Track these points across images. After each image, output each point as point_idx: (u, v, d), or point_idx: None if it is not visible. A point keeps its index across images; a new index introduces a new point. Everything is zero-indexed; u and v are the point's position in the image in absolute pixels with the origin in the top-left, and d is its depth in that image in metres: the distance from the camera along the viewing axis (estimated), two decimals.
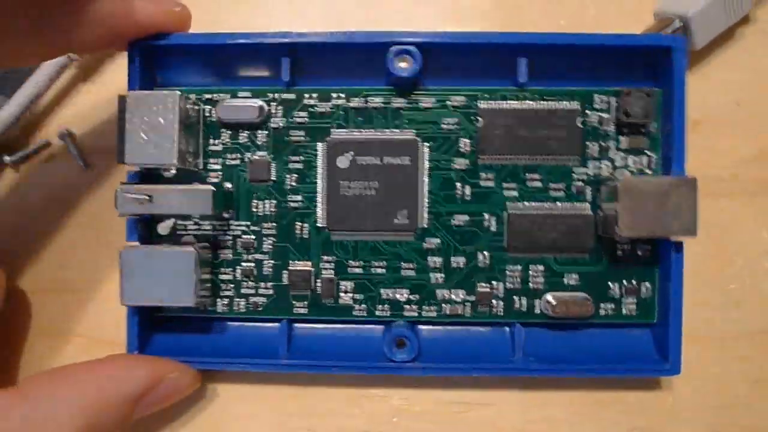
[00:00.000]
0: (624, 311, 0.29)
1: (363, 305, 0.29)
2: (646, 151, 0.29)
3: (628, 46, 0.28)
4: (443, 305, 0.29)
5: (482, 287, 0.29)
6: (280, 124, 0.29)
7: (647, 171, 0.29)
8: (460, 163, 0.29)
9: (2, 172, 0.32)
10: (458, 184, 0.29)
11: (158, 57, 0.29)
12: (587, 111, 0.29)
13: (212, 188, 0.27)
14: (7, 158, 0.32)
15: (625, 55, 0.28)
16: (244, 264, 0.29)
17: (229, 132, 0.29)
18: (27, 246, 0.32)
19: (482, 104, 0.29)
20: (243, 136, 0.29)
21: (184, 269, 0.27)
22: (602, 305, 0.29)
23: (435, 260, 0.29)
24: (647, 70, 0.29)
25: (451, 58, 0.29)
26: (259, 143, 0.29)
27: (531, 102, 0.29)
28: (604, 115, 0.29)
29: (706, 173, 0.30)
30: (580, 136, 0.29)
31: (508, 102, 0.29)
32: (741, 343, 0.31)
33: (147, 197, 0.27)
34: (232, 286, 0.30)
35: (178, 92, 0.27)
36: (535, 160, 0.29)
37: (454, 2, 0.33)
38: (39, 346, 0.32)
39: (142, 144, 0.27)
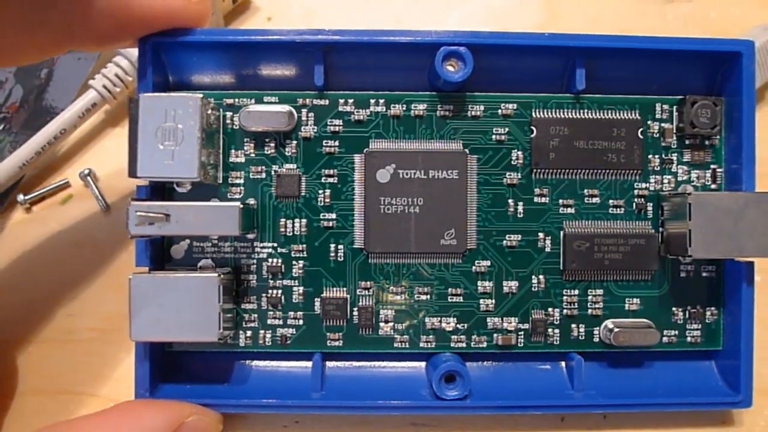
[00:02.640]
0: (688, 338, 0.27)
1: (405, 336, 0.26)
2: (710, 165, 0.27)
3: (694, 51, 0.26)
4: (494, 335, 0.26)
5: (537, 314, 0.26)
6: (312, 133, 0.26)
7: (712, 186, 0.27)
8: (512, 177, 0.26)
9: (14, 213, 0.29)
10: (510, 201, 0.26)
11: (173, 56, 0.25)
12: (648, 121, 0.27)
13: (239, 205, 0.23)
14: (21, 197, 0.28)
15: (688, 62, 0.26)
16: (270, 291, 0.26)
17: (254, 142, 0.26)
18: (31, 296, 0.28)
19: (536, 113, 0.26)
20: (269, 147, 0.26)
21: (206, 299, 0.24)
22: (665, 332, 0.27)
23: (485, 285, 0.26)
24: (710, 79, 0.27)
25: (503, 61, 0.26)
26: (288, 154, 0.26)
27: (588, 111, 0.26)
28: (666, 126, 0.27)
29: None
30: (642, 148, 0.26)
31: (564, 111, 0.26)
32: None
33: (163, 215, 0.23)
34: (256, 316, 0.26)
35: (200, 95, 0.23)
36: (593, 174, 0.26)
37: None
38: (45, 401, 0.28)
39: (157, 154, 0.23)
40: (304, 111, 0.26)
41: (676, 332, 0.27)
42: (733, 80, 0.26)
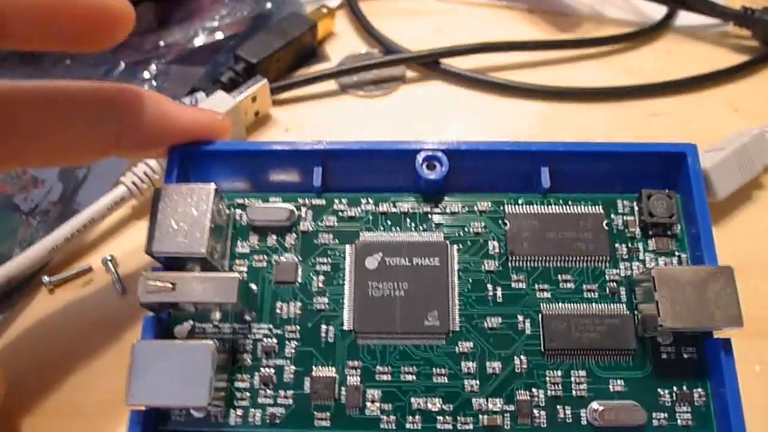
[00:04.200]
0: (679, 422, 0.26)
1: (392, 416, 0.27)
2: (676, 252, 0.29)
3: (645, 153, 0.29)
4: (480, 416, 0.27)
5: (522, 395, 0.27)
6: (309, 228, 0.29)
7: None
8: (490, 265, 0.29)
9: (38, 293, 0.32)
10: (489, 286, 0.28)
11: (195, 162, 0.30)
12: (612, 215, 0.29)
13: (238, 275, 0.26)
14: (46, 279, 0.32)
15: (644, 163, 0.30)
16: (263, 370, 0.27)
17: (258, 235, 0.29)
18: (41, 371, 0.30)
19: (508, 209, 0.29)
20: (271, 239, 0.29)
21: (200, 365, 0.25)
22: (654, 415, 0.26)
23: (469, 365, 0.27)
24: (664, 177, 0.30)
25: (476, 164, 0.30)
26: (287, 246, 0.29)
27: (555, 206, 0.29)
28: (629, 218, 0.29)
29: (753, 314, 0.30)
30: (608, 237, 0.29)
31: (534, 207, 0.29)
32: None
33: (170, 284, 0.26)
34: (248, 394, 0.27)
35: (213, 186, 0.27)
36: (565, 261, 0.29)
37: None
38: None
39: (171, 233, 0.27)
40: (303, 209, 0.30)
41: (666, 415, 0.26)
42: (682, 177, 0.29)
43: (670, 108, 0.39)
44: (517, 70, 0.42)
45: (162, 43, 0.42)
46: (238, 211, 0.30)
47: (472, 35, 0.43)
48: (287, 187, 0.30)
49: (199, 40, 0.42)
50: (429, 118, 0.39)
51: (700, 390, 0.27)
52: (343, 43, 0.44)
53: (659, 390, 0.27)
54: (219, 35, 0.43)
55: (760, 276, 0.34)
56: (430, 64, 0.42)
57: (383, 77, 0.42)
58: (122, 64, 0.41)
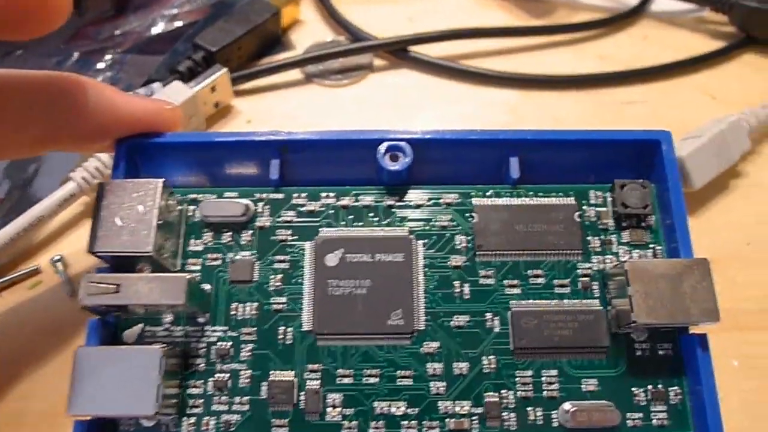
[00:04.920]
0: (654, 421, 0.25)
1: (354, 422, 0.25)
2: (650, 245, 0.28)
3: (618, 141, 0.28)
4: (446, 420, 0.25)
5: (490, 397, 0.25)
6: (267, 223, 0.28)
7: None
8: (457, 260, 0.27)
9: None
10: (456, 282, 0.27)
11: (145, 156, 0.28)
12: (584, 206, 0.28)
13: (186, 275, 0.24)
14: None
15: (616, 151, 0.28)
16: (217, 375, 0.26)
17: (212, 232, 0.28)
18: None
19: (476, 201, 0.28)
20: (226, 236, 0.28)
21: (147, 371, 0.24)
22: (629, 415, 0.25)
23: (435, 366, 0.26)
24: (639, 166, 0.29)
25: (443, 155, 0.28)
26: (243, 243, 0.28)
27: (526, 198, 0.28)
28: (602, 209, 0.28)
29: (731, 307, 0.29)
30: (580, 230, 0.28)
31: (503, 198, 0.28)
32: None
33: (114, 285, 0.24)
34: (201, 401, 0.25)
35: (162, 180, 0.26)
36: (536, 255, 0.27)
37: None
38: None
39: (116, 230, 0.25)
40: (260, 204, 0.28)
41: (641, 415, 0.25)
42: (656, 166, 0.28)
43: (646, 96, 0.38)
44: (488, 57, 0.41)
45: (118, 32, 0.40)
46: (191, 207, 0.28)
47: (443, 22, 0.41)
48: (244, 181, 0.29)
49: (158, 29, 0.40)
50: (398, 108, 0.38)
51: (676, 388, 0.26)
52: (309, 31, 0.42)
53: (634, 389, 0.26)
54: (178, 23, 0.41)
55: (738, 267, 0.33)
56: (398, 52, 0.41)
57: (350, 66, 0.40)
58: (76, 55, 0.39)
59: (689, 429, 0.25)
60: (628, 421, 0.25)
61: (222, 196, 0.28)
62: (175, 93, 0.34)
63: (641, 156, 0.28)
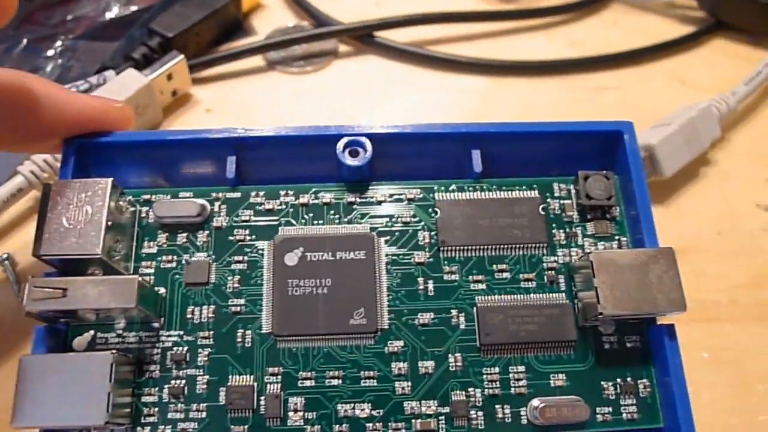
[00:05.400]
0: (624, 415, 0.25)
1: (316, 426, 0.24)
2: (615, 236, 0.27)
3: (581, 132, 0.28)
4: (413, 420, 0.24)
5: (457, 395, 0.25)
6: (223, 223, 0.27)
7: None
8: (420, 257, 0.27)
9: None
10: (420, 279, 0.26)
11: (95, 156, 0.27)
12: (548, 199, 0.28)
13: (137, 277, 0.23)
14: None
15: (579, 143, 0.28)
16: (173, 382, 0.25)
17: (167, 233, 0.27)
18: None
19: (439, 196, 0.27)
20: (181, 237, 0.27)
21: (96, 379, 0.23)
22: (598, 409, 0.25)
23: (399, 366, 0.25)
24: (602, 158, 0.28)
25: (404, 150, 0.28)
26: (199, 244, 0.27)
27: (489, 192, 0.28)
28: (566, 202, 0.28)
29: (701, 298, 0.29)
30: (544, 223, 0.27)
31: (466, 193, 0.28)
32: None
33: (60, 290, 0.23)
34: (157, 410, 0.24)
35: (111, 180, 0.25)
36: (500, 249, 0.27)
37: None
38: None
39: (62, 232, 0.24)
40: (216, 203, 0.27)
41: (610, 409, 0.25)
42: (619, 157, 0.28)
43: (617, 82, 0.38)
44: (457, 43, 0.40)
45: (70, 17, 0.38)
46: (144, 208, 0.27)
47: (411, 7, 0.40)
48: (199, 181, 0.28)
49: (111, 13, 0.38)
50: (364, 96, 0.37)
51: (645, 380, 0.25)
52: (271, 16, 0.41)
53: (603, 383, 0.25)
54: (133, 7, 0.38)
55: (708, 258, 0.32)
56: (364, 37, 0.39)
57: (314, 52, 0.39)
58: (24, 41, 0.37)
59: (659, 422, 0.25)
60: (597, 416, 0.25)
61: (176, 196, 0.27)
62: (129, 81, 0.33)
63: (604, 147, 0.28)
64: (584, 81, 0.38)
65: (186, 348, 0.25)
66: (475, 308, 0.26)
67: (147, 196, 0.27)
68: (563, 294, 0.26)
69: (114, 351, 0.23)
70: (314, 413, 0.24)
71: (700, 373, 0.29)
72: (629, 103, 0.37)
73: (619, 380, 0.25)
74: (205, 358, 0.25)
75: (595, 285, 0.24)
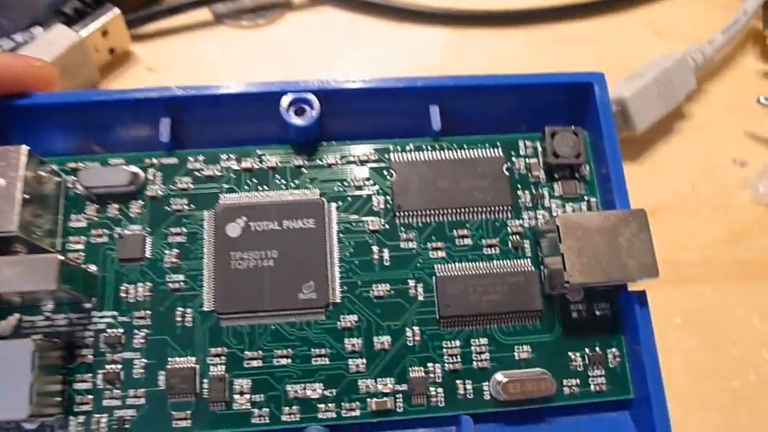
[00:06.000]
0: (592, 387, 0.23)
1: (265, 408, 0.23)
2: (584, 197, 0.25)
3: (548, 85, 0.26)
4: (368, 400, 0.23)
5: (415, 372, 0.23)
6: (159, 192, 0.25)
7: None
8: (375, 224, 0.25)
9: None
10: (374, 248, 0.24)
11: (13, 120, 0.24)
12: (513, 158, 0.26)
13: (58, 256, 0.21)
14: None
15: (546, 97, 0.26)
16: (108, 367, 0.23)
17: (97, 205, 0.24)
18: None
19: (394, 157, 0.25)
20: (112, 209, 0.24)
21: (18, 368, 0.21)
22: (565, 382, 0.23)
23: (353, 342, 0.23)
24: (571, 113, 0.26)
25: (356, 107, 0.25)
26: (132, 215, 0.24)
27: (449, 152, 0.25)
28: (532, 160, 0.26)
29: (675, 258, 0.27)
30: (509, 184, 0.25)
31: (424, 153, 0.25)
32: None
33: None
34: (91, 397, 0.22)
35: (25, 147, 0.22)
36: (462, 214, 0.25)
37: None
38: None
39: None
40: (151, 171, 0.25)
41: (577, 381, 0.23)
42: (589, 111, 0.26)
43: (589, 32, 0.36)
44: None
45: None
46: (71, 177, 0.25)
47: None
48: (131, 146, 0.25)
49: None
50: (319, 51, 0.34)
51: (614, 350, 0.24)
52: None
53: (570, 353, 0.24)
54: None
55: (682, 215, 0.31)
56: None
57: (264, 4, 0.36)
58: None
59: (629, 393, 0.23)
60: (564, 389, 0.23)
61: (106, 163, 0.25)
62: (59, 38, 0.30)
63: (573, 101, 0.26)
64: (553, 32, 0.35)
65: (121, 330, 0.23)
66: (434, 278, 0.24)
67: (73, 164, 0.25)
68: (528, 260, 0.24)
69: (37, 337, 0.21)
70: (262, 395, 0.23)
71: (673, 337, 0.28)
72: (601, 54, 0.34)
73: (587, 350, 0.24)
74: (142, 340, 0.23)
75: (561, 251, 0.22)
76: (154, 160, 0.25)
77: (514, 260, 0.24)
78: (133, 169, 0.24)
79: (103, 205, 0.24)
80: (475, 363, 0.23)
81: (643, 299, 0.23)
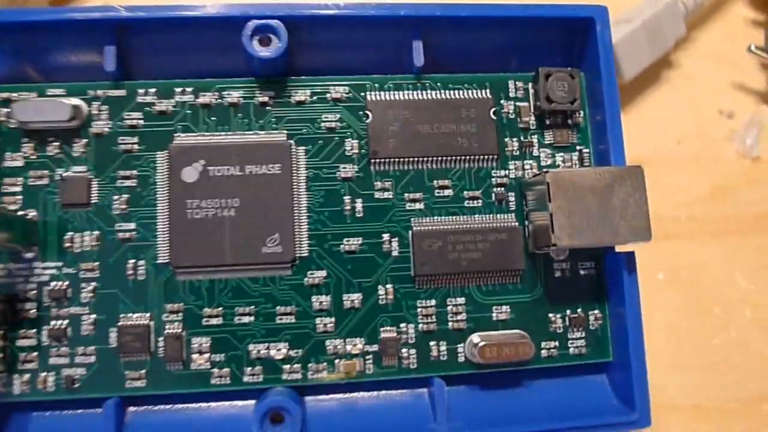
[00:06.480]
0: (571, 350, 0.22)
1: (225, 369, 0.21)
2: (577, 147, 0.23)
3: (543, 18, 0.23)
4: (336, 361, 0.22)
5: (387, 332, 0.22)
6: (105, 129, 0.22)
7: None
8: (348, 170, 0.22)
9: None
10: (347, 198, 0.22)
11: None
12: (501, 101, 0.23)
13: None
14: None
15: (540, 33, 0.23)
16: (53, 322, 0.21)
17: (34, 142, 0.22)
18: None
19: (371, 96, 0.23)
20: (53, 147, 0.22)
21: None
22: (543, 344, 0.22)
23: (321, 300, 0.22)
24: (566, 51, 0.24)
25: (329, 38, 0.22)
26: (76, 155, 0.22)
27: (432, 92, 0.23)
28: (522, 105, 0.23)
29: (659, 214, 0.26)
30: (496, 130, 0.23)
31: (404, 93, 0.23)
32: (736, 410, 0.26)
33: None
34: (35, 354, 0.21)
35: None
36: (443, 162, 0.23)
37: None
38: None
39: None
40: (95, 104, 0.22)
41: (556, 343, 0.22)
42: (588, 50, 0.23)
43: None
44: None
45: None
46: (4, 109, 0.22)
47: None
48: (73, 75, 0.22)
49: None
50: None
51: (596, 312, 0.23)
52: None
53: (550, 315, 0.22)
54: None
55: (669, 168, 0.29)
56: None
57: None
58: None
59: (608, 356, 0.23)
60: (542, 351, 0.22)
61: (44, 93, 0.22)
62: None
63: (570, 38, 0.23)
64: None
65: (66, 282, 0.21)
66: (410, 232, 0.22)
67: (5, 95, 0.22)
68: (513, 215, 0.23)
69: None
70: (222, 355, 0.21)
71: (654, 295, 0.27)
72: None
73: (568, 312, 0.22)
74: (91, 294, 0.21)
75: (550, 211, 0.20)
76: (99, 92, 0.22)
77: (498, 214, 0.23)
78: (75, 101, 0.22)
79: (42, 142, 0.22)
80: (450, 323, 0.22)
81: (631, 261, 0.22)
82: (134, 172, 0.22)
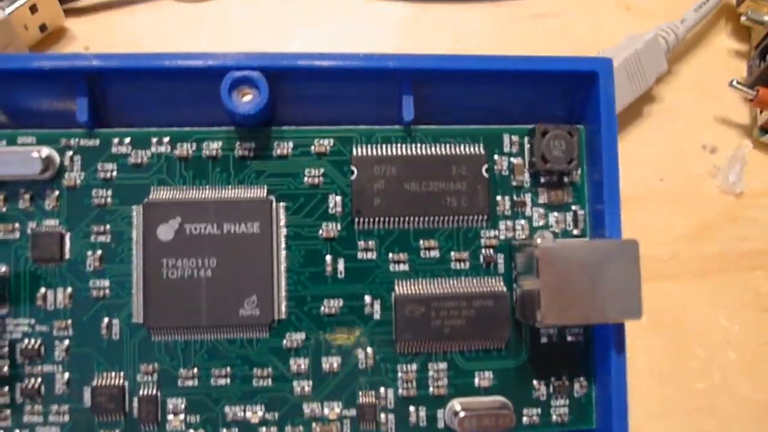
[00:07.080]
0: (554, 417, 0.22)
1: (200, 430, 0.21)
2: (571, 207, 0.22)
3: (545, 72, 0.21)
4: (312, 424, 0.21)
5: (365, 396, 0.21)
6: (78, 181, 0.21)
7: (574, 232, 0.22)
8: (330, 229, 0.22)
9: None
10: (328, 258, 0.21)
11: None
12: (495, 155, 0.22)
13: None
14: None
15: (540, 87, 0.22)
16: (26, 380, 0.21)
17: (3, 193, 0.21)
18: None
19: (357, 150, 0.22)
20: (24, 200, 0.21)
21: None
22: (525, 411, 0.22)
23: (299, 363, 0.21)
24: (566, 105, 0.22)
25: (314, 90, 0.21)
26: (48, 208, 0.21)
27: (422, 146, 0.22)
28: (516, 161, 0.22)
29: (642, 254, 0.25)
30: (487, 188, 0.22)
31: (392, 146, 0.22)
32: None
33: None
34: (8, 413, 0.20)
35: None
36: (430, 222, 0.22)
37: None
38: None
39: None
40: (68, 154, 0.21)
41: (539, 410, 0.22)
42: (590, 105, 0.22)
43: (557, 7, 0.30)
44: None
45: None
46: None
47: None
48: (44, 123, 0.21)
49: None
50: (271, 27, 0.29)
51: (582, 380, 0.22)
52: None
53: (534, 381, 0.22)
54: None
55: (651, 208, 0.28)
56: None
57: None
58: None
59: (591, 424, 0.22)
60: (524, 418, 0.22)
61: (15, 141, 0.21)
62: None
63: (571, 92, 0.22)
64: (521, 7, 0.30)
65: (39, 340, 0.21)
66: (392, 295, 0.21)
67: None
68: (501, 279, 0.22)
69: None
70: (197, 416, 0.21)
71: (638, 337, 0.26)
72: (569, 31, 0.30)
73: (553, 379, 0.22)
74: (64, 352, 0.21)
75: (537, 287, 0.20)
76: (72, 141, 0.21)
77: (485, 277, 0.22)
78: (47, 151, 0.21)
79: (13, 194, 0.21)
80: (431, 389, 0.21)
81: (620, 332, 0.21)
82: (108, 227, 0.21)
